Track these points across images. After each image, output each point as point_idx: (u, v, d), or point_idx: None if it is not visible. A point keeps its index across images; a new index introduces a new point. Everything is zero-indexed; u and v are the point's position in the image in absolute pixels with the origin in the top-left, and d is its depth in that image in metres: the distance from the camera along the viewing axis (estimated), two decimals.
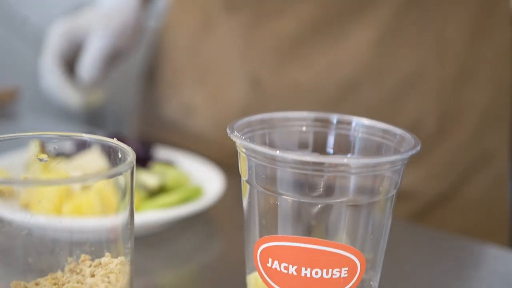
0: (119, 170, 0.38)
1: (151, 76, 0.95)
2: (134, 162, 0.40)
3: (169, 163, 0.74)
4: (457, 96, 0.80)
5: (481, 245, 0.67)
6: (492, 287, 0.58)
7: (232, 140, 0.43)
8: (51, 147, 0.44)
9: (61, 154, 0.46)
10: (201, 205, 0.64)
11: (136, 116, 1.00)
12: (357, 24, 0.77)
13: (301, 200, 0.41)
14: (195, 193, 0.67)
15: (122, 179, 0.38)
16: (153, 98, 0.94)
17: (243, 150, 0.42)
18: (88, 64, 0.83)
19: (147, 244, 0.61)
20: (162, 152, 0.77)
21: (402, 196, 0.79)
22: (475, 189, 0.82)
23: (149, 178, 0.67)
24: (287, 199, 0.42)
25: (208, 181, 0.70)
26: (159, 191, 0.67)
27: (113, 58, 0.86)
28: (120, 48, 0.86)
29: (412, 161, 0.79)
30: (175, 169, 0.72)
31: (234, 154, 0.80)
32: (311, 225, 0.42)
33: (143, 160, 0.72)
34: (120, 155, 0.41)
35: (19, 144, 0.45)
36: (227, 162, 0.76)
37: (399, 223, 0.68)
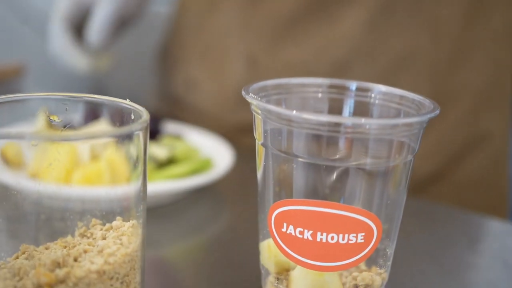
0: (132, 129, 0.38)
1: (162, 54, 0.97)
2: (148, 122, 0.39)
3: (178, 137, 0.73)
4: (451, 77, 0.79)
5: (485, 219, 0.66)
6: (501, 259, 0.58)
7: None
8: (61, 108, 0.43)
9: (69, 126, 0.45)
10: (211, 177, 0.64)
11: (150, 93, 1.02)
12: (350, 4, 0.77)
13: (317, 163, 0.41)
14: (205, 165, 0.66)
15: (136, 138, 0.38)
16: (162, 74, 0.96)
17: (259, 111, 0.42)
18: (96, 28, 0.84)
19: (157, 215, 0.61)
20: (171, 126, 0.76)
21: None
22: (470, 168, 0.82)
23: (158, 150, 0.66)
24: (303, 161, 0.41)
25: (217, 154, 0.70)
26: (168, 163, 0.66)
27: (120, 24, 0.87)
28: (127, 14, 0.87)
29: None
30: (184, 142, 0.72)
31: (234, 129, 0.82)
32: (327, 189, 0.42)
33: (153, 133, 0.71)
34: (133, 116, 0.40)
35: (28, 110, 0.44)
36: (227, 137, 0.77)
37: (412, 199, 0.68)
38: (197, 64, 0.89)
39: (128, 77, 1.28)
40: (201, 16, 0.89)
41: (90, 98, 0.43)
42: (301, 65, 0.80)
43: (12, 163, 0.45)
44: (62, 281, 0.36)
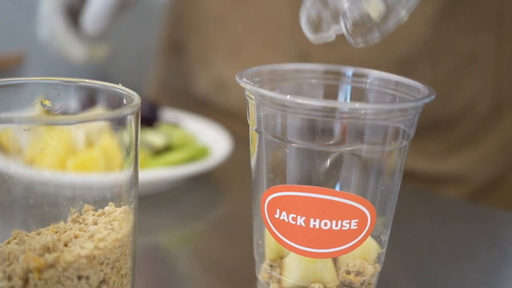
0: (123, 112, 0.37)
1: (178, 49, 0.90)
2: (139, 106, 0.38)
3: (175, 124, 0.73)
4: None
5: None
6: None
7: None
8: (55, 94, 0.43)
9: (62, 111, 0.44)
10: (208, 164, 0.63)
11: (159, 89, 0.95)
12: None
13: (311, 148, 0.40)
14: (202, 152, 0.66)
15: (128, 122, 0.37)
16: (181, 72, 0.89)
17: (252, 97, 0.41)
18: (94, 14, 0.77)
19: (153, 203, 0.60)
20: (168, 114, 0.76)
21: (453, 180, 0.77)
22: None
23: (155, 137, 0.66)
24: (297, 147, 0.40)
25: (215, 143, 0.69)
26: (165, 150, 0.66)
27: (120, 9, 0.79)
28: (125, 0, 0.79)
29: (464, 144, 0.78)
30: (181, 129, 0.71)
31: None
32: (321, 176, 0.41)
33: (150, 120, 0.71)
34: (125, 101, 0.40)
35: (22, 96, 0.44)
36: None
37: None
38: (226, 62, 0.83)
39: (131, 68, 1.27)
40: (227, 7, 0.82)
41: (82, 83, 0.42)
42: (359, 61, 0.75)
43: (7, 150, 0.45)
44: (52, 265, 0.35)
